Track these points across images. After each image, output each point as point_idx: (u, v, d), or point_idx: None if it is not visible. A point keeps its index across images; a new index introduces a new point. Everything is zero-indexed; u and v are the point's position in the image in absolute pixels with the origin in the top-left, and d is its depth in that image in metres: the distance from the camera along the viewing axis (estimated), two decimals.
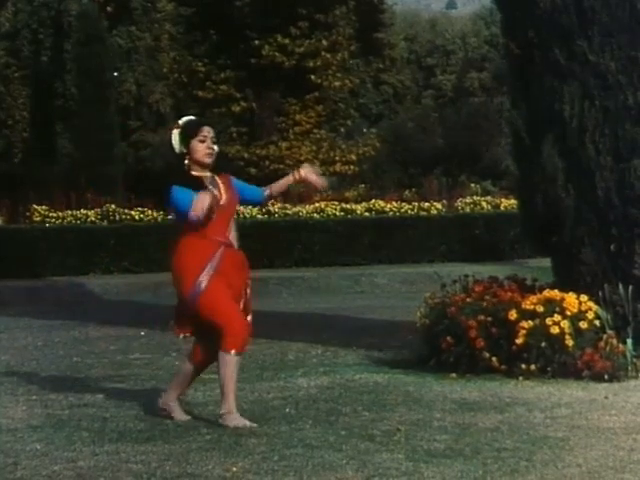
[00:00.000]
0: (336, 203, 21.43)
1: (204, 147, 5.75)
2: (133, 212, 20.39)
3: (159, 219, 20.27)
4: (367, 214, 21.15)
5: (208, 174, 5.78)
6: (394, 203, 21.59)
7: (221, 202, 5.70)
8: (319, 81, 26.20)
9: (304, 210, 21.02)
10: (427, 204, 21.57)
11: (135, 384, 7.27)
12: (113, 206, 20.50)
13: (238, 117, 26.17)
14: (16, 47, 32.66)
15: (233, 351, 5.51)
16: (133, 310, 14.06)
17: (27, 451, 5.10)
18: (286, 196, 22.89)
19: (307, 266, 19.33)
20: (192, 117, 6.03)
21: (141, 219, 20.31)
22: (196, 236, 5.61)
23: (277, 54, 25.31)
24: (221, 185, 5.77)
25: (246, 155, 25.14)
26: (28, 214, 20.40)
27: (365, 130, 33.65)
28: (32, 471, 4.67)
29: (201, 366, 5.88)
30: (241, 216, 20.48)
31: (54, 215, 20.26)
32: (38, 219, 20.20)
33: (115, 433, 5.49)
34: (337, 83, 26.71)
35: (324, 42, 25.95)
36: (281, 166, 24.71)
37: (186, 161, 5.75)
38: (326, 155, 25.90)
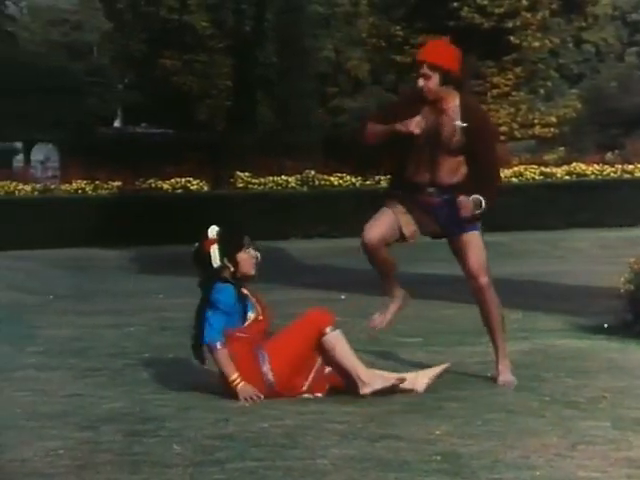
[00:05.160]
0: (535, 167, 21.04)
1: (249, 257, 5.60)
2: (332, 178, 20.70)
3: (357, 184, 20.51)
4: (567, 177, 20.69)
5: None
6: (596, 166, 21.02)
7: (259, 317, 5.59)
8: (518, 42, 25.71)
9: (502, 174, 20.75)
10: (631, 166, 20.90)
11: None
12: (313, 172, 20.86)
13: None
14: (220, 18, 33.54)
15: (327, 328, 5.51)
16: (332, 273, 14.26)
17: (236, 409, 5.30)
18: None
19: (504, 230, 19.11)
20: (227, 226, 5.64)
21: (340, 184, 20.60)
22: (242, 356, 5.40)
23: (476, 15, 24.99)
24: (255, 300, 5.61)
25: None
26: (232, 180, 21.07)
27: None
28: (242, 427, 4.86)
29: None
30: None
31: (256, 181, 20.83)
32: (241, 185, 20.84)
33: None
34: (537, 43, 26.15)
35: (524, 1, 25.42)
36: None
37: (225, 275, 5.48)
38: (524, 117, 25.43)
